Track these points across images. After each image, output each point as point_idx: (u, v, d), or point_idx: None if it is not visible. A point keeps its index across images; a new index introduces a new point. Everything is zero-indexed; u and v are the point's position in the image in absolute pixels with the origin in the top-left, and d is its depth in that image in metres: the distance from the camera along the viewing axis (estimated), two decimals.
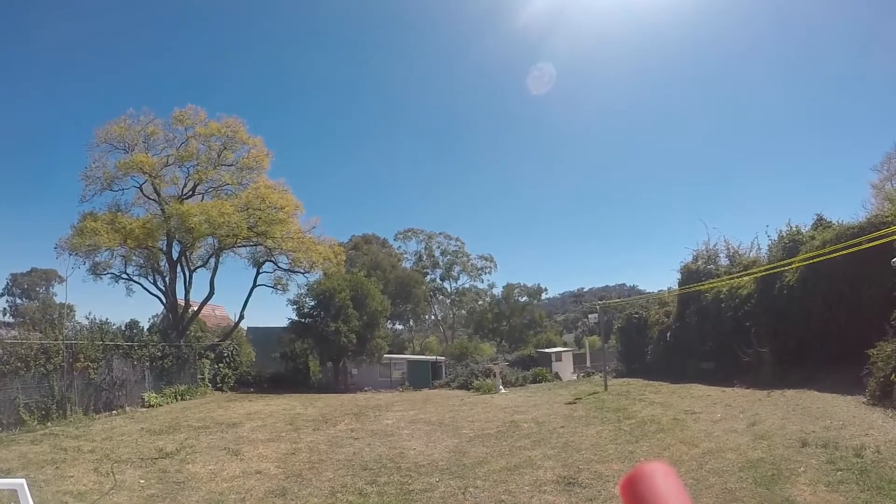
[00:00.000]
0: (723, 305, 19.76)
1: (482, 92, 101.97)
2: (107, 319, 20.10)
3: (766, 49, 79.77)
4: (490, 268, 63.44)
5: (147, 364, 20.59)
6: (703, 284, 20.42)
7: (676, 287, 24.12)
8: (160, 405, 19.49)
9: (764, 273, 17.21)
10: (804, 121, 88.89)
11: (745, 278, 18.77)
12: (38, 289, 71.22)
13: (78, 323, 22.06)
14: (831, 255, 13.21)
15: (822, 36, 73.67)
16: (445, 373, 34.02)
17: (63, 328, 18.35)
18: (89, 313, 29.58)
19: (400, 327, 62.04)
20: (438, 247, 63.29)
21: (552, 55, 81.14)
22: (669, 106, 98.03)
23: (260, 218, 27.08)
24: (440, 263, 62.95)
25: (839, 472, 6.81)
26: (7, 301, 68.09)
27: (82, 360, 16.86)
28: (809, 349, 15.53)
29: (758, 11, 72.61)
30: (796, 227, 18.17)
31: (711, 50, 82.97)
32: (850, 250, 12.39)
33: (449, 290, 64.22)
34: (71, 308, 37.80)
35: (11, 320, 48.70)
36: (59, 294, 66.51)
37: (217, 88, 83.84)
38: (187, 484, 8.49)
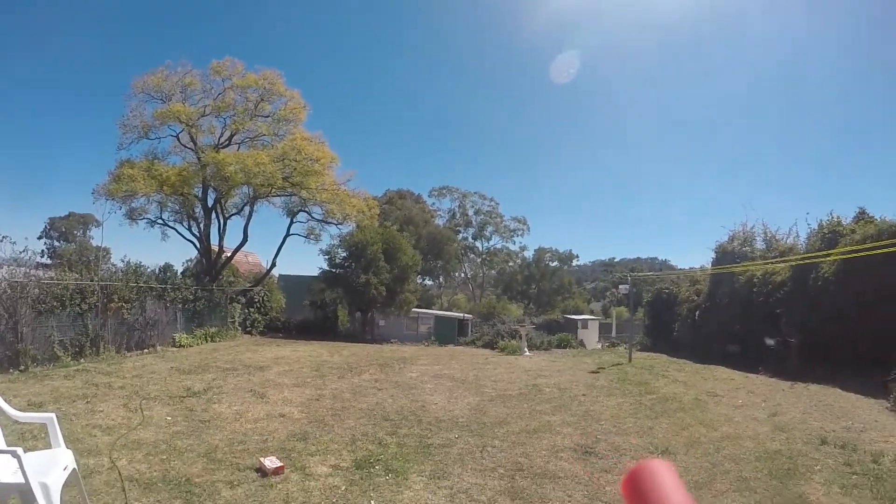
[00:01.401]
0: (755, 290, 19.57)
1: (522, 56, 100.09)
2: (141, 262, 20.52)
3: (814, 42, 76.74)
4: (522, 230, 63.33)
5: (179, 306, 21.10)
6: (737, 266, 20.22)
7: (710, 266, 23.89)
8: (191, 346, 20.04)
9: (800, 262, 16.97)
10: (854, 114, 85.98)
11: (780, 265, 18.52)
12: (75, 232, 73.21)
13: (113, 265, 22.43)
14: (871, 252, 12.97)
15: (871, 28, 70.42)
16: (472, 331, 34.32)
17: (98, 270, 18.74)
18: (125, 256, 30.22)
19: (429, 283, 62.49)
20: (472, 206, 63.25)
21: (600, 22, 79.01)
22: (719, 87, 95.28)
23: (295, 169, 27.27)
24: (473, 222, 62.98)
25: (854, 476, 6.87)
26: (45, 243, 70.29)
27: (116, 300, 17.30)
28: (838, 345, 15.36)
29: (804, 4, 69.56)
30: (838, 217, 17.79)
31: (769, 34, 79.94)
32: (891, 249, 12.17)
33: (480, 249, 64.37)
34: (107, 251, 38.70)
35: (49, 262, 50.10)
36: (96, 238, 69.04)
37: (256, 42, 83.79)
38: (212, 423, 8.75)
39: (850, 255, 14.27)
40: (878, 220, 16.20)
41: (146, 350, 18.22)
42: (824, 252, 15.87)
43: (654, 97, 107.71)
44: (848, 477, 6.87)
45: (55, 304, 15.04)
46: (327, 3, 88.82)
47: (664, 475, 0.86)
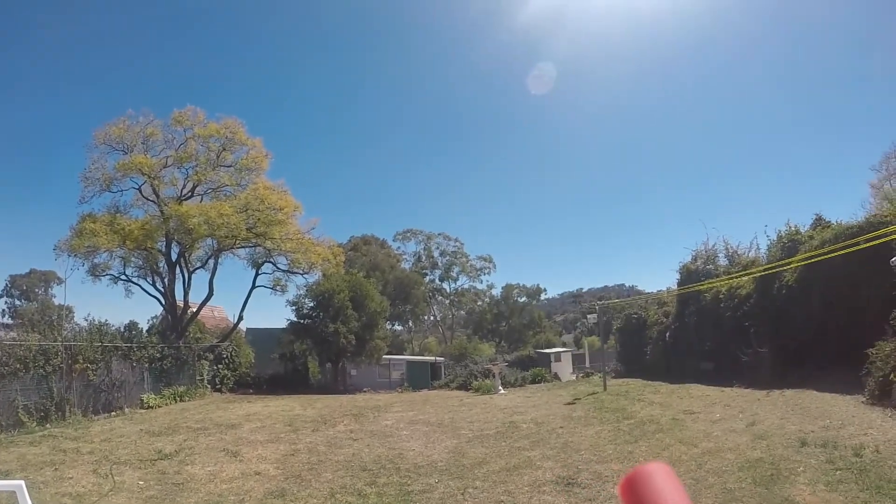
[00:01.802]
0: (722, 306, 19.77)
1: (481, 92, 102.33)
2: (106, 321, 20.09)
3: (765, 48, 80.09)
4: (489, 268, 63.48)
5: (146, 365, 20.57)
6: (702, 284, 20.42)
7: (675, 287, 24.14)
8: (159, 406, 19.46)
9: (763, 273, 17.23)
10: (803, 120, 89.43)
11: (744, 278, 18.78)
12: (36, 290, 71.03)
13: (77, 324, 22.02)
14: (830, 255, 13.21)
15: (821, 35, 74.00)
16: (444, 373, 33.95)
17: (62, 329, 18.26)
18: (88, 314, 29.65)
19: (399, 328, 61.98)
20: (437, 247, 63.30)
21: (551, 55, 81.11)
22: (668, 106, 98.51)
23: (259, 219, 26.95)
24: (439, 264, 62.95)
25: (838, 472, 6.80)
26: (6, 302, 68.10)
27: (81, 361, 16.80)
28: (808, 349, 15.51)
29: (757, 10, 72.74)
30: (795, 226, 18.19)
31: (710, 49, 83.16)
32: (849, 250, 12.40)
33: (448, 290, 64.24)
34: (70, 309, 37.73)
35: (11, 321, 48.73)
36: (59, 295, 66.51)
37: (215, 89, 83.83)
38: (186, 485, 8.48)
39: (810, 261, 14.50)
40: (835, 223, 16.57)
41: (114, 412, 17.66)
42: (785, 261, 16.13)
43: (609, 126, 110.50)
44: (832, 474, 6.79)
45: (18, 366, 14.66)
46: (285, 50, 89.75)
47: (663, 478, 0.81)
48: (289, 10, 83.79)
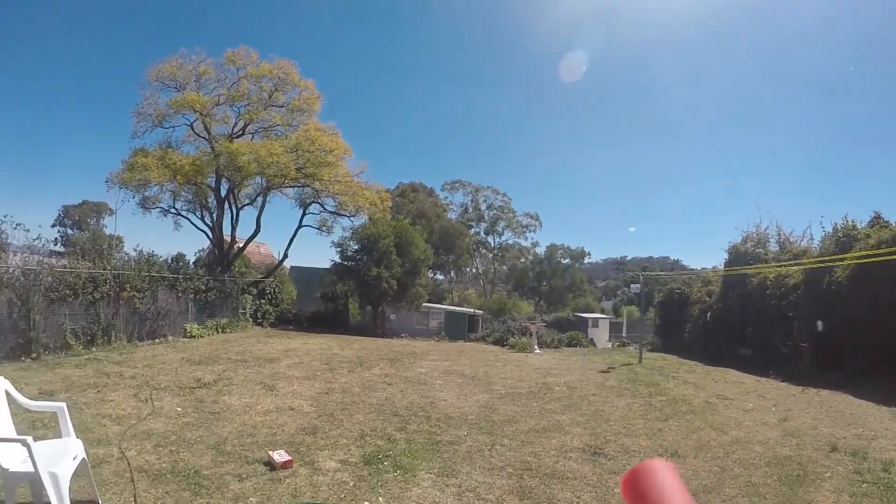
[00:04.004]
0: (767, 293, 19.39)
1: (538, 51, 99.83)
2: (154, 252, 20.67)
3: (840, 40, 75.78)
4: (535, 226, 63.21)
5: (191, 296, 21.24)
6: (749, 267, 20.05)
7: (722, 267, 23.71)
8: (202, 336, 20.13)
9: (813, 265, 16.79)
10: (874, 119, 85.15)
11: (794, 268, 18.34)
12: (88, 220, 73.49)
13: (126, 254, 22.67)
14: (886, 258, 12.81)
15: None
16: (482, 327, 34.24)
17: (111, 258, 18.89)
18: (137, 245, 30.49)
19: (441, 277, 62.44)
20: (485, 200, 63.21)
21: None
22: (733, 87, 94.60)
23: (308, 160, 27.28)
24: (485, 217, 62.89)
25: (865, 485, 6.78)
26: (59, 231, 70.61)
27: (128, 289, 17.39)
28: (850, 352, 15.15)
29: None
30: (853, 221, 17.52)
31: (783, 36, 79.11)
32: None
33: (492, 244, 64.21)
34: (120, 240, 38.98)
35: (62, 250, 50.59)
36: (109, 226, 69.21)
37: (270, 30, 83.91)
38: (222, 415, 8.77)
39: (864, 260, 14.08)
40: (894, 224, 15.99)
41: (157, 340, 18.34)
42: (839, 256, 15.68)
43: (666, 96, 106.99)
44: (858, 485, 6.79)
45: (68, 292, 15.09)
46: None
47: (665, 475, 0.86)
48: None
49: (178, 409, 9.01)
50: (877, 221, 16.86)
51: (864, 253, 14.47)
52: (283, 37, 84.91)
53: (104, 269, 16.85)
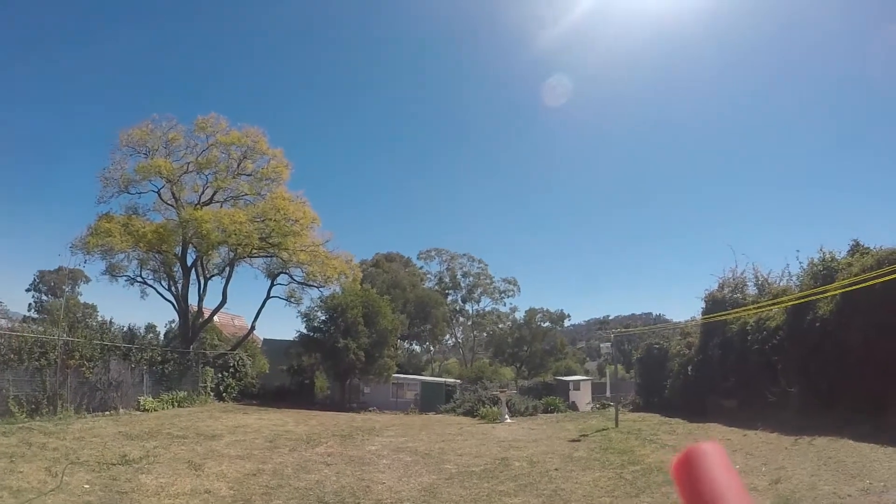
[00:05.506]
0: (749, 338, 18.16)
1: (509, 111, 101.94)
2: (110, 319, 20.37)
3: (796, 63, 78.15)
4: (513, 291, 62.26)
5: (146, 368, 20.51)
6: (728, 313, 18.90)
7: (700, 317, 22.57)
8: (155, 410, 19.30)
9: (795, 303, 15.67)
10: (845, 143, 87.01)
11: (774, 309, 17.19)
12: (64, 287, 71.76)
13: (85, 322, 22.51)
14: (873, 282, 11.70)
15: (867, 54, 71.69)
16: (455, 397, 32.80)
17: (62, 325, 18.16)
18: (101, 315, 30.00)
19: (417, 348, 61.01)
20: (461, 268, 62.51)
21: (569, 68, 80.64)
22: (699, 127, 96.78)
23: (274, 229, 26.92)
24: (461, 285, 62.03)
25: None
26: (33, 296, 69.68)
27: (77, 357, 16.78)
28: (844, 389, 13.79)
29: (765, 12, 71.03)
30: (830, 253, 16.49)
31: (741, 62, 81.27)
32: (893, 276, 10.90)
33: (470, 312, 63.10)
34: (93, 308, 38.07)
35: (35, 315, 49.76)
36: (85, 294, 67.13)
37: (241, 102, 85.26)
38: (130, 495, 8.16)
39: (852, 288, 12.94)
40: (874, 249, 15.00)
41: (108, 412, 17.61)
42: (821, 289, 14.58)
43: (631, 150, 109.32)
44: None
45: (12, 356, 14.80)
46: (309, 59, 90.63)
47: (715, 458, 0.81)
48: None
49: (87, 485, 8.46)
50: (857, 249, 15.87)
51: (850, 280, 13.33)
52: (253, 103, 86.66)
53: (52, 336, 16.32)
